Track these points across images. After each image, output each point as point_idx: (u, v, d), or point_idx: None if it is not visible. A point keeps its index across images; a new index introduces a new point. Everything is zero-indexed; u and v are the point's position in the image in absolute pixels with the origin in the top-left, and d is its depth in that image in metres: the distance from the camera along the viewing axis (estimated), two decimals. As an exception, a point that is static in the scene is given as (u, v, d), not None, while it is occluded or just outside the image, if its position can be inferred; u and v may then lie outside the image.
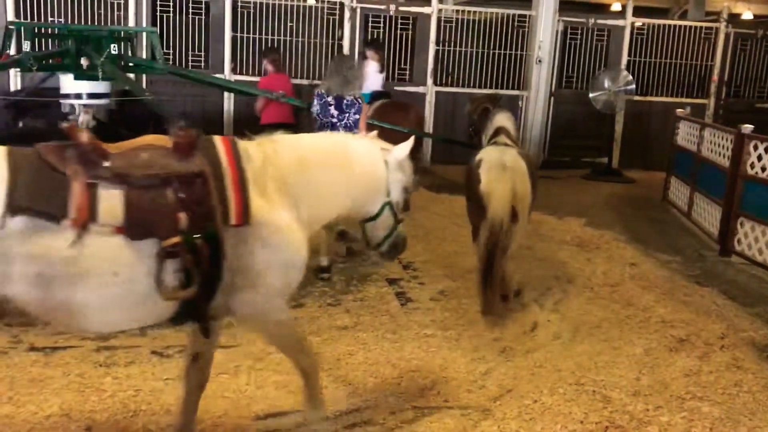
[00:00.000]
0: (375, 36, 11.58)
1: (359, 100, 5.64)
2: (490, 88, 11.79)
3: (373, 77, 9.14)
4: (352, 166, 3.11)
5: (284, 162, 2.90)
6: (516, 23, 11.92)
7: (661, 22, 12.73)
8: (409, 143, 3.28)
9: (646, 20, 12.57)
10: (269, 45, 10.78)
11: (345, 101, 5.56)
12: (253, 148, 2.86)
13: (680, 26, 12.56)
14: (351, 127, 5.53)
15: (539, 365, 4.34)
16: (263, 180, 2.79)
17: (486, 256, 4.83)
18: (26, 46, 5.11)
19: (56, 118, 7.89)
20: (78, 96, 5.34)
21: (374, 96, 8.84)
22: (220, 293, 2.72)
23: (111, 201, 2.52)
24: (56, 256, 2.45)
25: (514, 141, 5.64)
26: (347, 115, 5.55)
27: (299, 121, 8.27)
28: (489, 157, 5.13)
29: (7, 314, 2.71)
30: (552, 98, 12.05)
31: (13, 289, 2.47)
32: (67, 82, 5.32)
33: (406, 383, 4.06)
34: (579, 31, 12.21)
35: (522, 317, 5.16)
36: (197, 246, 2.58)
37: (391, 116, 8.04)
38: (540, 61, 11.61)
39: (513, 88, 11.99)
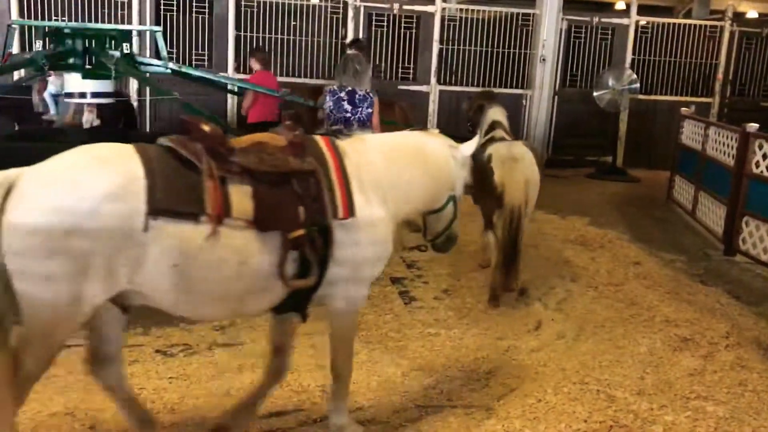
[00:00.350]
0: (378, 35, 11.60)
1: (371, 94, 5.68)
2: (494, 86, 11.76)
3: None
4: (429, 163, 3.28)
5: (374, 160, 3.08)
6: (520, 22, 11.90)
7: (666, 20, 12.69)
8: (474, 142, 3.51)
9: (651, 19, 12.54)
10: (271, 45, 10.82)
11: (357, 96, 5.59)
12: (347, 147, 3.04)
13: (685, 25, 12.53)
14: (364, 121, 5.59)
15: (543, 364, 4.34)
16: (359, 177, 2.97)
17: (509, 238, 5.25)
18: (38, 45, 5.11)
19: (29, 118, 7.99)
20: (82, 95, 5.35)
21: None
22: (323, 284, 2.90)
23: (241, 196, 2.65)
24: (194, 250, 2.55)
25: (508, 133, 5.96)
26: (360, 109, 5.60)
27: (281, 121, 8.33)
28: (499, 151, 5.48)
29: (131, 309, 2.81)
30: (556, 97, 12.03)
31: (152, 285, 2.57)
32: (72, 82, 5.33)
33: (410, 382, 4.06)
34: (583, 30, 12.19)
35: (526, 316, 5.15)
36: (314, 238, 2.77)
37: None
38: (544, 59, 11.59)
39: (517, 87, 11.97)
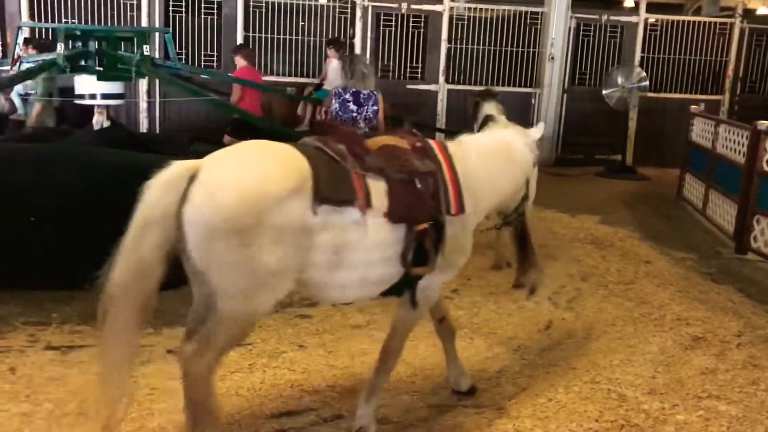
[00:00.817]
0: (387, 34, 11.61)
1: (375, 92, 5.83)
2: (503, 85, 11.77)
3: (334, 74, 9.50)
4: (514, 158, 3.58)
5: (471, 159, 3.36)
6: (528, 20, 11.89)
7: (675, 18, 12.64)
8: (541, 128, 3.79)
9: (660, 16, 12.49)
10: (279, 45, 10.86)
11: (362, 95, 5.75)
12: (454, 149, 3.34)
13: (694, 22, 12.48)
14: (370, 119, 5.80)
15: (554, 363, 4.33)
16: (464, 176, 3.26)
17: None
18: (60, 48, 5.14)
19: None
20: (93, 96, 5.37)
21: None
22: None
23: (378, 190, 2.96)
24: (345, 237, 2.83)
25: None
26: (366, 107, 5.77)
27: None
28: None
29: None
30: (565, 95, 12.00)
31: (314, 271, 2.80)
32: (82, 83, 5.36)
33: (421, 381, 4.05)
34: (592, 28, 12.16)
35: (536, 315, 5.14)
36: (432, 231, 3.09)
37: None
38: (553, 58, 11.58)
39: (525, 86, 11.96)
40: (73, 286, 4.95)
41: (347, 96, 5.73)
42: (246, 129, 8.07)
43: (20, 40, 6.30)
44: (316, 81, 10.72)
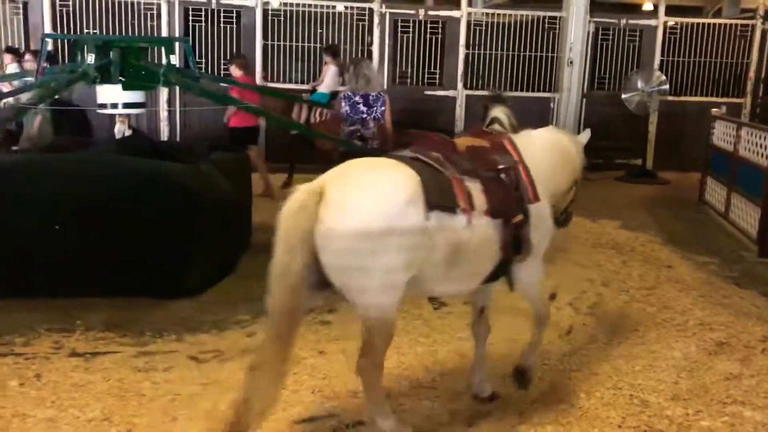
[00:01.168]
0: (404, 40, 11.65)
1: (382, 94, 6.33)
2: (521, 90, 11.76)
3: (331, 79, 9.87)
4: (566, 154, 3.86)
5: (536, 152, 3.59)
6: (546, 25, 11.86)
7: (695, 20, 12.54)
8: (587, 134, 4.18)
9: (679, 19, 12.40)
10: (297, 52, 10.95)
11: (371, 97, 6.24)
12: (520, 143, 3.58)
13: (715, 24, 12.37)
14: (379, 119, 6.28)
15: (576, 369, 4.30)
16: (533, 167, 3.50)
17: None
18: (90, 58, 5.23)
19: None
20: (114, 106, 5.45)
21: (332, 96, 9.60)
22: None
23: (476, 191, 3.22)
24: (457, 238, 3.10)
25: (505, 128, 6.67)
26: (375, 108, 6.25)
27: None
28: None
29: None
30: (584, 100, 11.95)
31: (429, 269, 3.07)
32: (104, 92, 5.43)
33: (441, 387, 4.05)
34: (610, 32, 12.10)
35: (557, 320, 5.10)
36: (524, 221, 3.37)
37: None
38: (571, 62, 11.53)
39: (544, 90, 11.93)
40: (96, 293, 5.03)
41: (357, 98, 6.20)
42: (246, 137, 8.29)
43: (45, 51, 6.40)
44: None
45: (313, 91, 10.22)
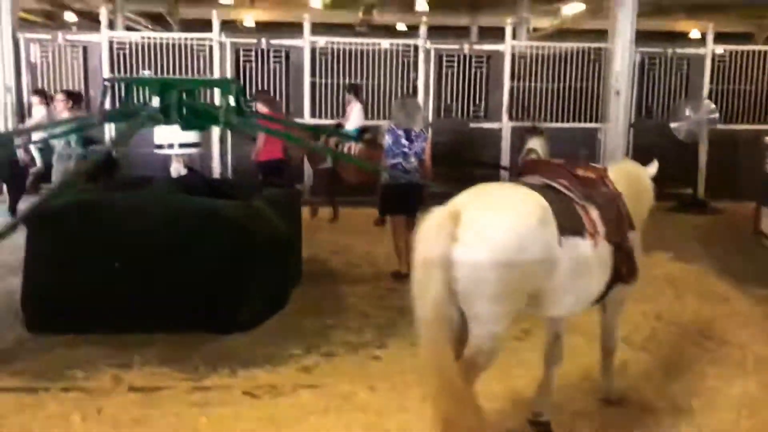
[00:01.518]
0: (449, 74, 11.77)
1: (424, 131, 6.80)
2: (567, 121, 11.73)
3: (356, 116, 10.05)
4: (646, 184, 4.15)
5: (623, 183, 3.82)
6: (591, 56, 11.84)
7: (744, 48, 12.36)
8: (655, 165, 4.31)
9: (728, 47, 12.23)
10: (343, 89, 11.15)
11: (413, 132, 6.66)
12: (613, 176, 3.80)
13: (765, 51, 12.16)
14: (419, 154, 6.71)
15: (632, 406, 4.22)
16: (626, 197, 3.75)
17: None
18: (155, 101, 5.46)
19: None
20: (171, 146, 5.64)
21: (360, 132, 9.88)
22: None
23: (596, 216, 3.45)
24: (581, 262, 3.29)
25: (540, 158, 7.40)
26: (416, 143, 6.64)
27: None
28: None
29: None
30: (632, 129, 11.83)
31: (551, 290, 3.24)
32: (161, 133, 5.63)
33: (501, 420, 4.00)
34: (657, 61, 12.00)
35: (610, 356, 5.02)
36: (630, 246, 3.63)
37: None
38: (618, 92, 11.46)
39: (590, 121, 11.86)
40: (153, 328, 5.16)
41: (399, 132, 6.63)
42: (273, 172, 8.46)
43: (106, 94, 6.69)
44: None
45: (339, 126, 10.40)
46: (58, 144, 8.01)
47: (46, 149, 8.73)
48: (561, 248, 3.16)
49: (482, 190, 3.28)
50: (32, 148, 8.97)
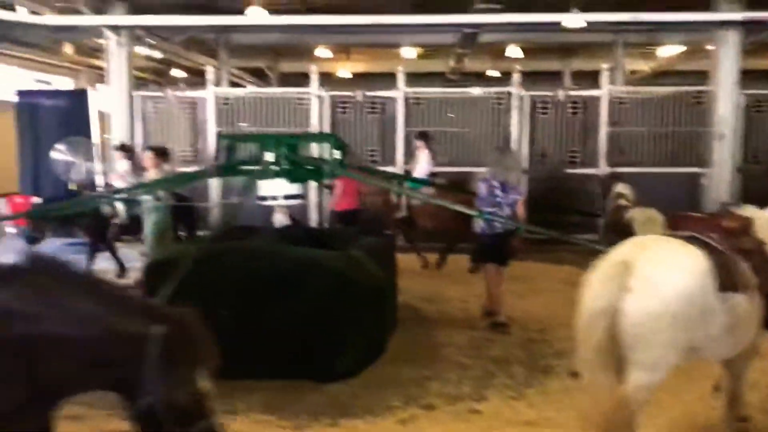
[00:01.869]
0: (543, 121, 11.70)
1: (519, 187, 7.04)
2: (667, 166, 11.37)
3: (426, 162, 9.94)
4: None
5: (762, 232, 3.91)
6: (692, 99, 11.50)
7: None
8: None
9: (844, 85, 11.60)
10: (436, 137, 11.26)
11: (509, 184, 6.75)
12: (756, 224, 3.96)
13: None
14: (512, 205, 6.75)
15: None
16: None
17: None
18: (269, 156, 5.76)
19: None
20: (275, 198, 5.87)
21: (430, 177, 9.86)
22: None
23: (748, 269, 3.56)
24: (737, 314, 3.43)
25: (630, 202, 8.42)
26: (509, 195, 6.72)
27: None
28: (638, 214, 7.81)
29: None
30: (739, 174, 11.32)
31: (709, 339, 3.41)
32: (266, 185, 5.87)
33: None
34: (765, 104, 11.50)
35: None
36: None
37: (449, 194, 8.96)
38: (722, 136, 11.04)
39: (692, 166, 11.44)
40: (256, 376, 5.28)
41: (494, 182, 6.70)
42: (349, 221, 8.61)
43: (221, 148, 6.98)
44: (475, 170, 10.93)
45: (408, 172, 10.43)
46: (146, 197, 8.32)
47: (130, 202, 8.98)
48: (718, 301, 3.32)
49: (646, 244, 3.51)
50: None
